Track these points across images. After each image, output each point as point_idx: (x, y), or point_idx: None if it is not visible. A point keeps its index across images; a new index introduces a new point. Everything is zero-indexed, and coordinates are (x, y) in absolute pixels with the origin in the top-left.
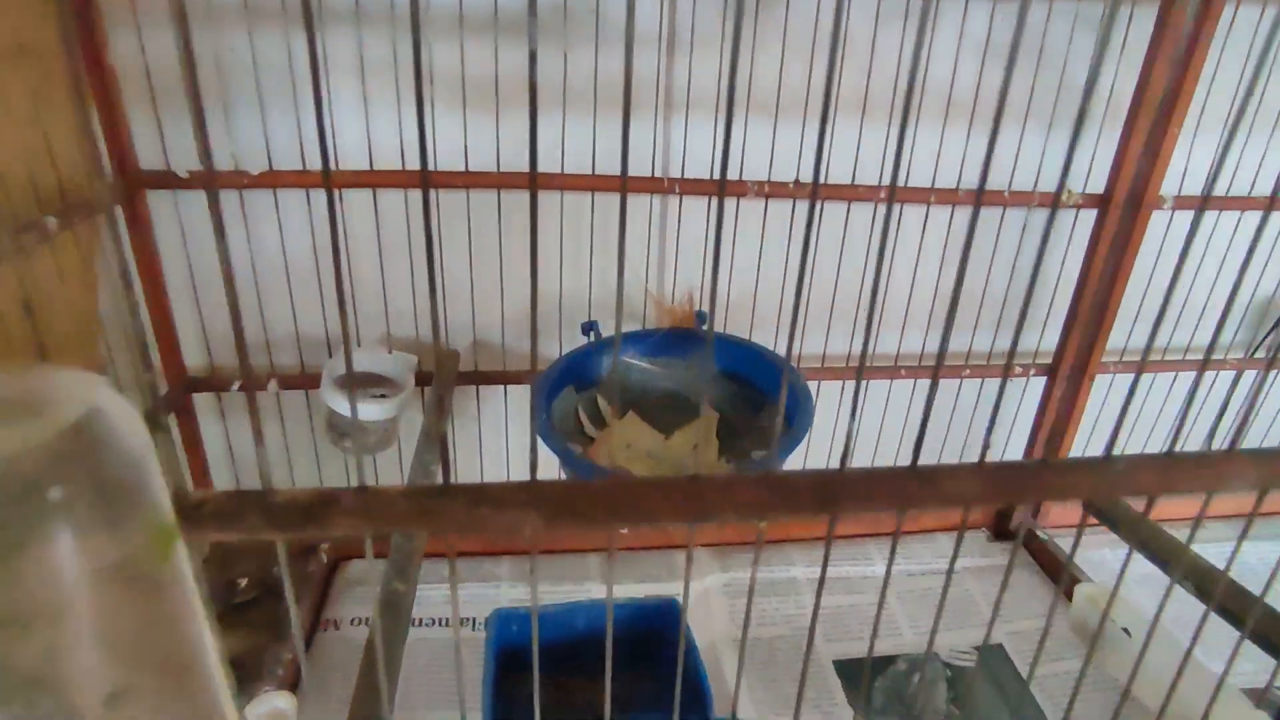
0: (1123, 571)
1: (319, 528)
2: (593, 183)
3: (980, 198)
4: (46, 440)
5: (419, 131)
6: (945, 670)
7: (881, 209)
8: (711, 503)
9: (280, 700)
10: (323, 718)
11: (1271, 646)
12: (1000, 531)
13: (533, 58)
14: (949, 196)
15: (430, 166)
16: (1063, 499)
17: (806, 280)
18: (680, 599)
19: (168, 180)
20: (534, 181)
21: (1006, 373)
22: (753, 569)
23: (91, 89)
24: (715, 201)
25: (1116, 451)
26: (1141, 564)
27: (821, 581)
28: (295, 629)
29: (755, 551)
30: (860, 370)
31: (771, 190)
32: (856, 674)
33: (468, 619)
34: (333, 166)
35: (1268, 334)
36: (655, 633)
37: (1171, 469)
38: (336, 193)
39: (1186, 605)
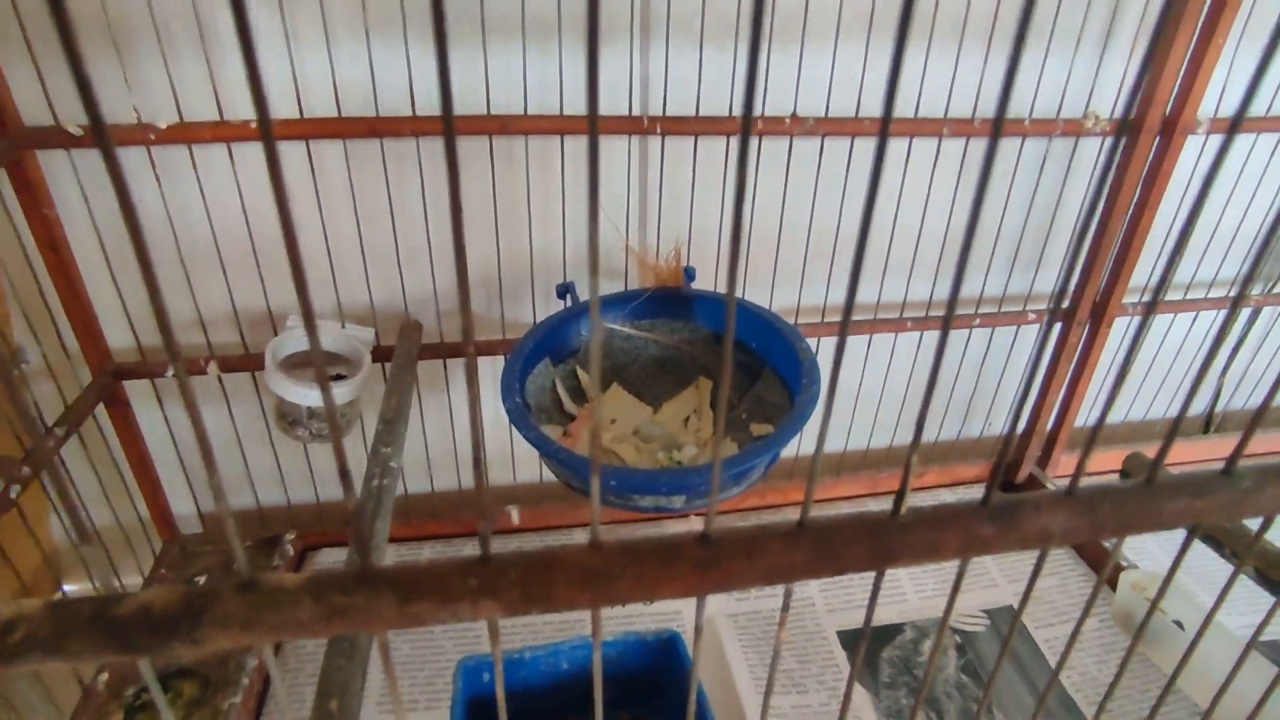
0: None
1: (187, 644)
2: (561, 124)
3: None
4: None
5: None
6: (955, 636)
7: (890, 145)
8: (731, 570)
9: None
10: None
11: None
12: (1007, 486)
13: None
14: (964, 128)
15: (373, 111)
16: (1175, 527)
17: (805, 227)
18: (682, 631)
19: (58, 137)
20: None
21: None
22: (778, 634)
23: None
24: (697, 142)
25: (1122, 404)
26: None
27: (865, 636)
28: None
29: (781, 614)
30: (844, 327)
31: (766, 127)
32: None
33: (444, 628)
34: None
35: None
36: (655, 668)
37: None
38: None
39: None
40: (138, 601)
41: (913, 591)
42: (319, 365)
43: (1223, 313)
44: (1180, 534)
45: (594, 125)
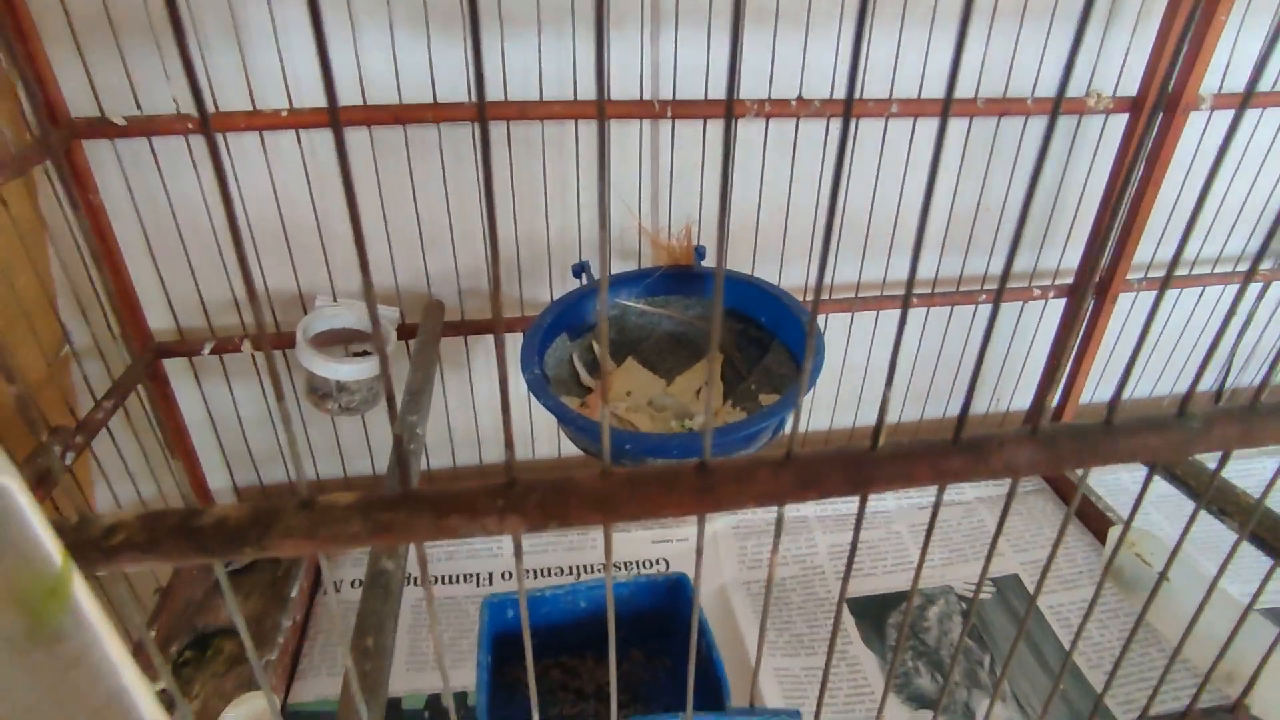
0: (1188, 528)
1: (256, 550)
2: (576, 109)
3: (1048, 103)
4: None
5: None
6: (960, 604)
7: (894, 124)
8: (725, 492)
9: (259, 700)
10: (327, 685)
11: None
12: None
13: None
14: (967, 108)
15: (397, 99)
16: (1130, 461)
17: (811, 208)
18: (669, 544)
19: (103, 128)
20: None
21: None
22: (771, 560)
23: (3, 32)
24: (709, 125)
25: (1137, 373)
26: (1169, 491)
27: (848, 570)
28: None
29: (772, 548)
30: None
31: (773, 109)
32: (870, 611)
33: (471, 575)
34: (287, 105)
35: None
36: (666, 608)
37: (1256, 421)
38: (294, 133)
39: (1222, 539)
40: (215, 514)
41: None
42: (372, 311)
43: (1229, 288)
44: (1183, 505)
45: (602, 110)
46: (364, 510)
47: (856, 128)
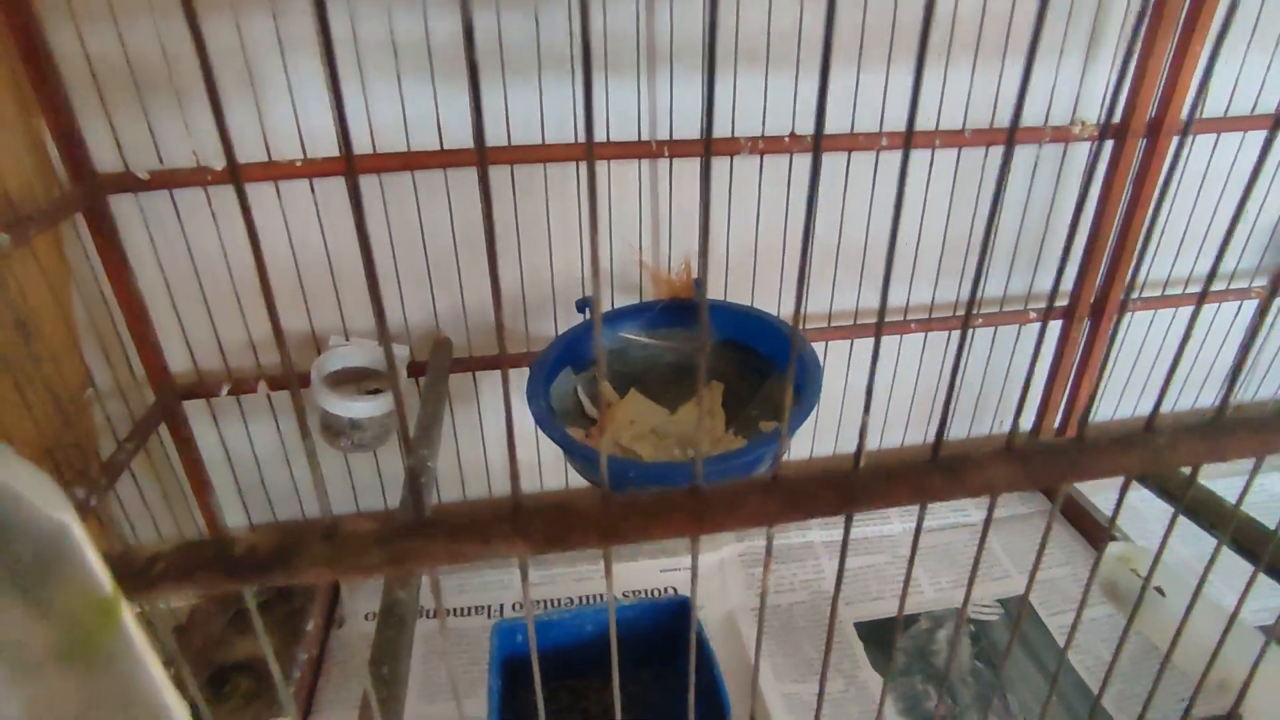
0: (1167, 535)
1: (284, 576)
2: (575, 152)
3: (1013, 134)
4: None
5: (403, 110)
6: (969, 625)
7: (884, 156)
8: (717, 515)
9: None
10: (343, 716)
11: None
12: None
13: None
14: (954, 139)
15: (405, 146)
16: (1103, 477)
17: (810, 239)
18: (676, 572)
19: (128, 182)
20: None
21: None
22: (764, 576)
23: (35, 93)
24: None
25: (1130, 398)
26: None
27: (837, 593)
28: (271, 658)
29: (764, 559)
30: (878, 339)
31: (766, 146)
32: (878, 635)
33: (482, 607)
34: (300, 155)
35: None
36: (671, 630)
37: (1221, 437)
38: (307, 182)
39: (1222, 559)
40: (246, 544)
41: (928, 584)
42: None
43: (1224, 305)
44: (1184, 524)
45: (591, 152)
46: (382, 538)
47: (849, 161)
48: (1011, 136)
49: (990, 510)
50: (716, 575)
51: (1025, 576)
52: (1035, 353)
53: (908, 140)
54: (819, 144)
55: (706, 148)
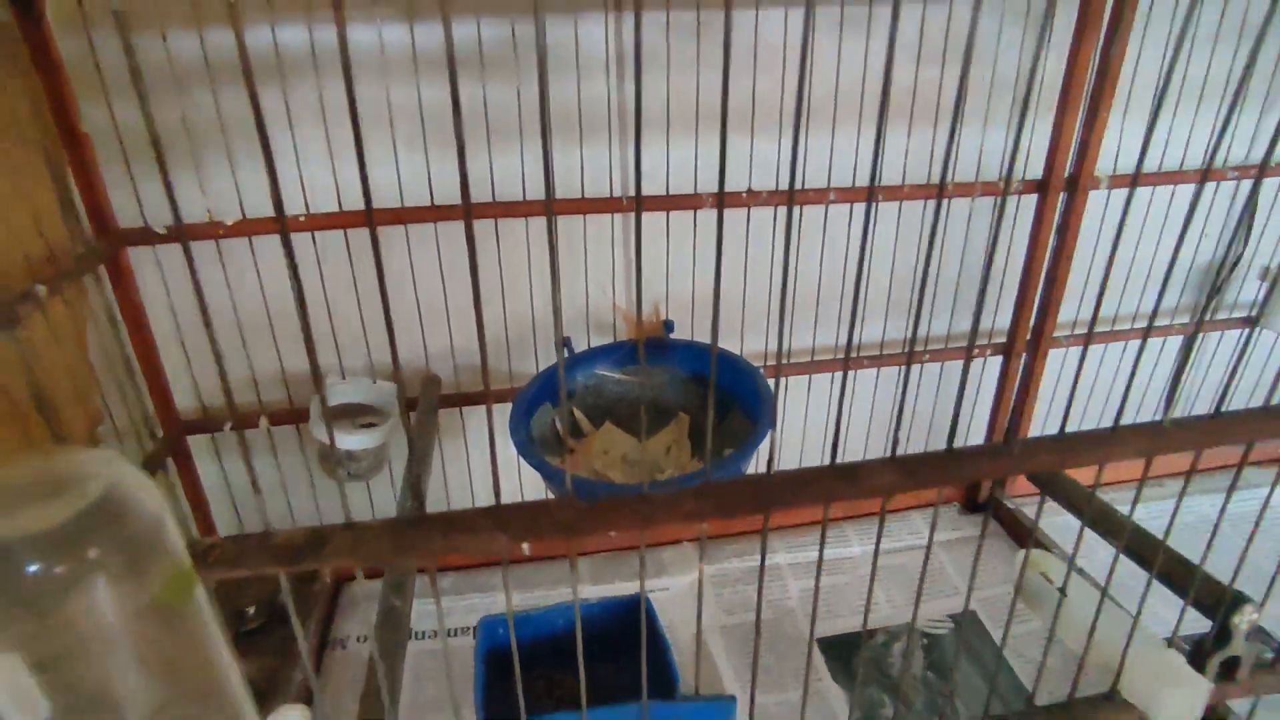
0: (1078, 544)
1: (314, 562)
2: (556, 208)
3: (941, 189)
4: (81, 510)
5: (398, 172)
6: (922, 639)
7: (833, 210)
8: (659, 513)
9: (295, 713)
10: None
11: (1183, 591)
12: (971, 504)
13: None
14: (895, 193)
15: (398, 203)
16: (970, 481)
17: (765, 283)
18: (653, 594)
19: (147, 236)
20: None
21: (969, 356)
22: (700, 568)
23: (68, 157)
24: (671, 216)
25: (1073, 423)
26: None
27: (761, 575)
28: (304, 652)
29: (700, 548)
30: (845, 368)
31: (727, 201)
32: (840, 650)
33: (469, 628)
34: (304, 210)
35: (1210, 297)
36: (631, 627)
37: (1066, 449)
38: (309, 235)
39: (1126, 564)
40: (285, 536)
41: (884, 601)
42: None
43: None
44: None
45: (550, 209)
46: (390, 530)
47: (801, 213)
48: (940, 191)
49: (882, 514)
50: (689, 594)
51: (975, 593)
52: (961, 386)
53: (871, 193)
54: (792, 198)
55: (720, 201)
